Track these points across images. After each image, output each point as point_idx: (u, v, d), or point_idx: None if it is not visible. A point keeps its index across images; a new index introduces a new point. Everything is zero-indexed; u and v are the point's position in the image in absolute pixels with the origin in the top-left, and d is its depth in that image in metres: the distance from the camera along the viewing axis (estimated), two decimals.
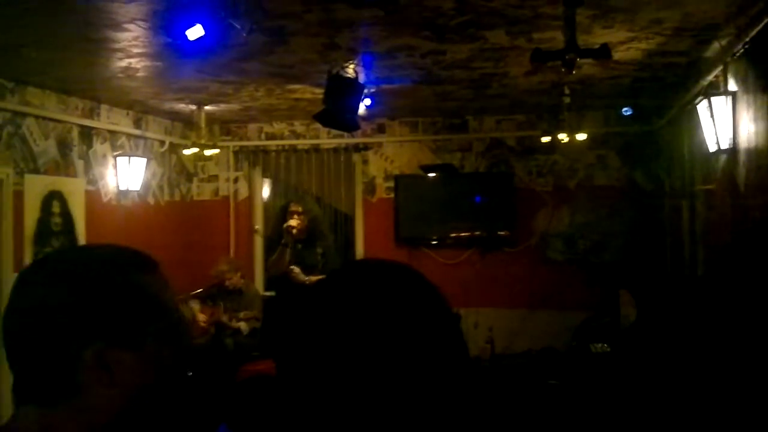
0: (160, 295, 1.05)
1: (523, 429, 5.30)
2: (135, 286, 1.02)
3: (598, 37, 4.15)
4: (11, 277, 5.31)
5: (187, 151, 7.21)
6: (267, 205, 8.23)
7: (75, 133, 6.10)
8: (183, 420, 1.09)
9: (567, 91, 5.50)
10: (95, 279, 1.00)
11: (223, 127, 7.94)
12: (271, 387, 5.80)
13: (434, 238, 7.48)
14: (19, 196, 5.40)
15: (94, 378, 0.96)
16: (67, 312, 0.97)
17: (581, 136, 6.48)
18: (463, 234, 7.42)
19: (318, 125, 6.20)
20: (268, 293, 7.38)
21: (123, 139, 6.79)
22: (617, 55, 4.45)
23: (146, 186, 7.07)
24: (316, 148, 7.87)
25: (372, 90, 5.67)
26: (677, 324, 5.68)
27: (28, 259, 5.48)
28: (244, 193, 8.09)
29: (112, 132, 6.60)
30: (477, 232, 7.39)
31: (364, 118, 6.22)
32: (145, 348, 1.00)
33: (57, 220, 5.84)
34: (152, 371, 1.01)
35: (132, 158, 6.66)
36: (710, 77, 4.70)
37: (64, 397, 0.96)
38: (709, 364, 4.67)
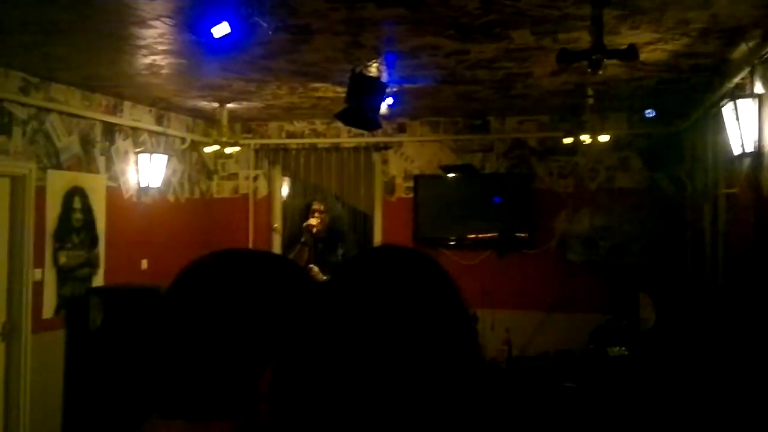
0: None
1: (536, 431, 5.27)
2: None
3: (624, 37, 4.11)
4: (32, 272, 5.35)
5: (208, 149, 7.23)
6: (286, 204, 8.23)
7: (98, 129, 6.14)
8: None
9: (590, 92, 5.47)
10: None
11: (245, 125, 7.96)
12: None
13: (453, 238, 7.45)
14: (41, 191, 5.44)
15: (260, 397, 0.91)
16: (262, 332, 0.92)
17: (604, 138, 6.43)
18: (481, 235, 7.39)
19: (338, 124, 6.19)
20: None
21: (145, 136, 6.83)
22: (642, 56, 4.41)
23: (167, 183, 7.10)
24: (337, 147, 7.87)
25: (394, 89, 5.66)
26: (697, 328, 5.62)
27: (48, 255, 5.52)
28: (263, 191, 8.11)
29: (134, 129, 6.64)
30: (496, 234, 7.36)
31: (385, 117, 6.21)
32: None
33: (78, 216, 5.87)
34: None
35: (153, 155, 6.70)
36: (736, 79, 4.65)
37: (225, 415, 0.91)
38: (728, 369, 4.63)
